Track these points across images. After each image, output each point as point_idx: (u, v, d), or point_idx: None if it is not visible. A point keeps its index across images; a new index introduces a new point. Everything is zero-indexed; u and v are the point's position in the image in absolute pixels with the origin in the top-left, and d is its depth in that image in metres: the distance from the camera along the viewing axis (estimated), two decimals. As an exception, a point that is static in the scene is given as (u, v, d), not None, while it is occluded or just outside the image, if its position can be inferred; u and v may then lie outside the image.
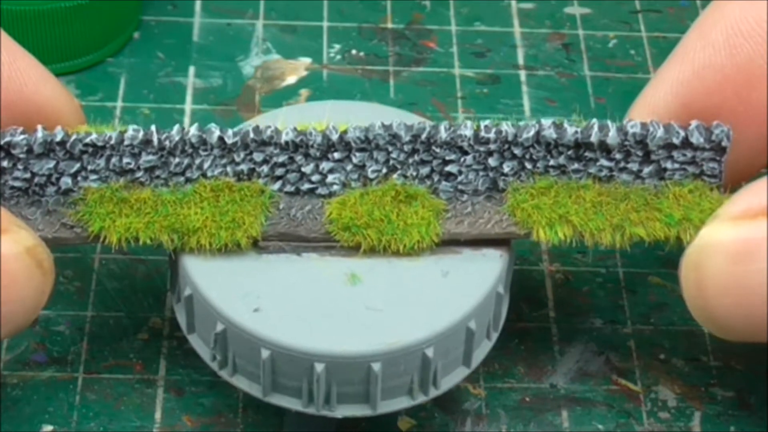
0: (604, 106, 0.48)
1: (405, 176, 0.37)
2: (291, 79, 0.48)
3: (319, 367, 0.35)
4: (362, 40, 0.50)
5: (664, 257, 0.40)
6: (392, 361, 0.35)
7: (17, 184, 0.36)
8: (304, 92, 0.48)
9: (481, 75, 0.49)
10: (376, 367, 0.35)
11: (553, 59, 0.50)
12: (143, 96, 0.47)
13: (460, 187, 0.37)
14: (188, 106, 0.47)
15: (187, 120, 0.46)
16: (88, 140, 0.36)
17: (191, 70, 0.48)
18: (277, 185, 0.37)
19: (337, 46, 0.50)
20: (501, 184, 0.37)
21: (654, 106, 0.38)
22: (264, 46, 0.49)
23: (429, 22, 0.51)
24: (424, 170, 0.37)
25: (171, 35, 0.50)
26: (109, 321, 0.41)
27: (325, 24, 0.50)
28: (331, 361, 0.35)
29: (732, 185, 0.37)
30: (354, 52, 0.50)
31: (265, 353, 0.35)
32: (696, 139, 0.37)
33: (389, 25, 0.51)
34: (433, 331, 0.35)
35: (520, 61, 0.50)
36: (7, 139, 0.36)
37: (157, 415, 0.39)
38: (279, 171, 0.37)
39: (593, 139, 0.37)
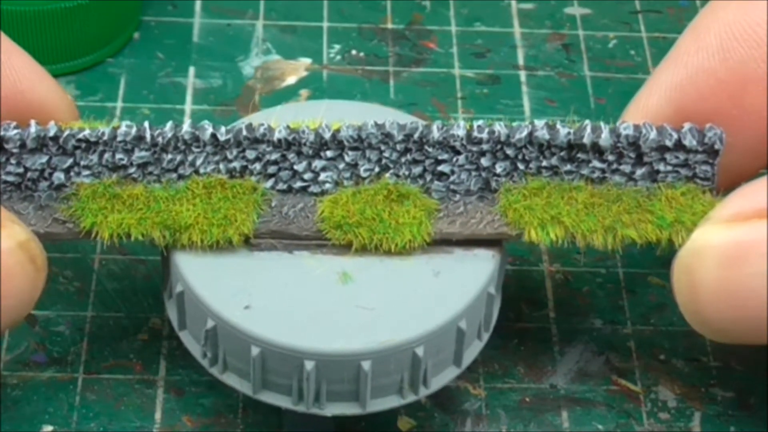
0: (604, 107, 0.48)
1: (397, 175, 0.37)
2: (291, 80, 0.48)
3: (309, 365, 0.35)
4: (362, 40, 0.50)
5: (664, 257, 0.40)
6: (382, 359, 0.35)
7: (10, 178, 0.36)
8: (304, 92, 0.48)
9: (481, 75, 0.49)
10: (366, 365, 0.35)
11: (553, 59, 0.50)
12: (143, 96, 0.47)
13: (452, 186, 0.37)
14: (188, 107, 0.47)
15: (186, 120, 0.46)
16: (81, 136, 0.36)
17: (191, 70, 0.48)
18: (269, 183, 0.37)
19: (337, 47, 0.50)
20: (493, 185, 0.37)
21: (647, 109, 0.38)
22: (264, 46, 0.49)
23: (429, 23, 0.51)
24: (417, 170, 0.37)
25: (171, 35, 0.50)
26: (109, 321, 0.41)
27: (325, 24, 0.50)
28: (321, 359, 0.35)
29: (725, 188, 0.37)
30: (354, 52, 0.49)
31: (255, 351, 0.35)
32: (689, 141, 0.37)
33: (389, 26, 0.51)
34: (424, 330, 0.35)
35: (520, 61, 0.49)
36: (0, 133, 0.36)
37: (157, 416, 0.39)
38: (271, 169, 0.37)
39: (586, 140, 0.37)
